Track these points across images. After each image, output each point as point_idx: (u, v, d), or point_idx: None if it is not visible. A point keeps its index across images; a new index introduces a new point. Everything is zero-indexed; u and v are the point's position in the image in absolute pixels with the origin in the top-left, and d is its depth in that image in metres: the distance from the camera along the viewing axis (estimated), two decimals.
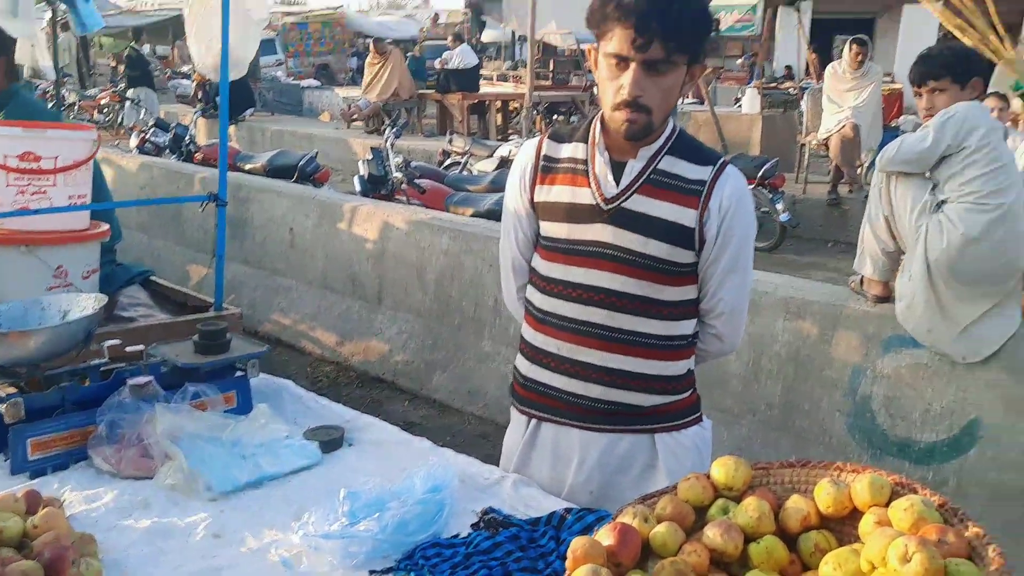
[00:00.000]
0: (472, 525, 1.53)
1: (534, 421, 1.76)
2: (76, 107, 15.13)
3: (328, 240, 5.21)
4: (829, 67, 8.10)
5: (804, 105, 8.92)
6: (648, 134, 1.56)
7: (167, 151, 8.46)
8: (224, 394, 2.06)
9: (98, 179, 2.97)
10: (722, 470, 1.34)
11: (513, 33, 23.53)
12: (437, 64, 13.33)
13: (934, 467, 2.87)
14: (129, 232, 6.63)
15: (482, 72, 15.04)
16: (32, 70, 5.62)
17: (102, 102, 15.36)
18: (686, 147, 1.61)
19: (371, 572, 1.41)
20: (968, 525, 1.15)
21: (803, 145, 8.67)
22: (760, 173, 7.00)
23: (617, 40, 1.46)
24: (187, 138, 8.20)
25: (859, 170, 7.91)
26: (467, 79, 12.80)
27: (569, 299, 1.64)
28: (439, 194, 6.09)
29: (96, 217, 2.83)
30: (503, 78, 17.80)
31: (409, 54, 15.70)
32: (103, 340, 2.11)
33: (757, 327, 3.31)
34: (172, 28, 25.44)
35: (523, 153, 1.73)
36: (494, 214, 5.59)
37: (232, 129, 13.99)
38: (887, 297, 3.05)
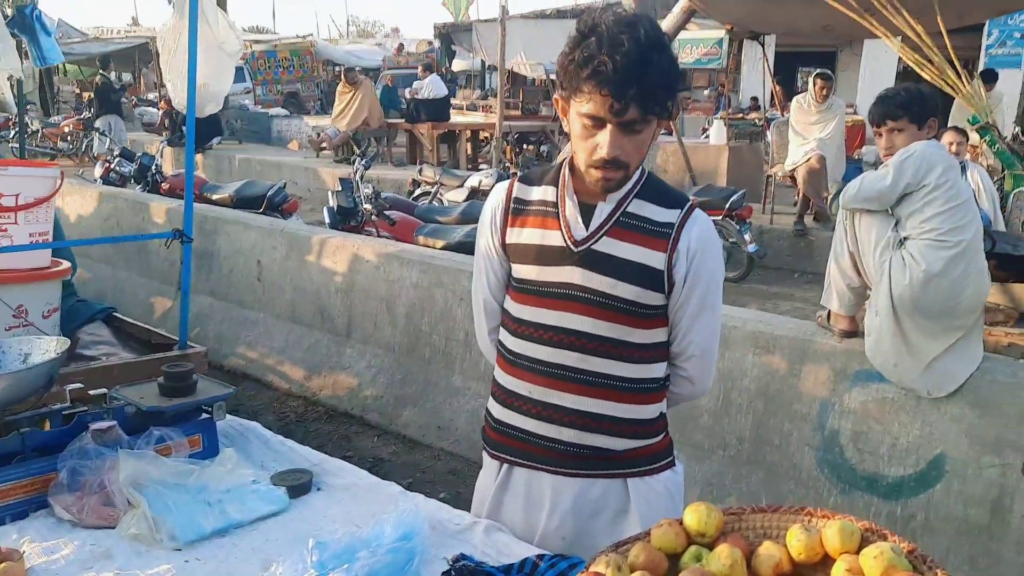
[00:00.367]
0: (443, 573, 1.51)
1: (506, 466, 1.75)
2: (39, 135, 14.93)
3: (297, 272, 5.16)
4: (794, 100, 8.27)
5: (770, 136, 9.07)
6: (622, 186, 1.58)
7: (132, 181, 8.36)
8: (189, 437, 2.02)
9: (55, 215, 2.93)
10: (694, 516, 1.34)
11: (483, 63, 23.75)
12: (407, 94, 13.38)
13: (902, 501, 2.89)
14: (93, 264, 6.57)
15: (452, 101, 15.13)
16: None
17: (65, 130, 15.17)
18: (654, 190, 1.63)
19: None
20: (937, 573, 1.16)
21: (769, 176, 8.81)
22: (728, 204, 7.10)
23: (593, 104, 1.46)
24: (153, 168, 8.11)
25: (825, 201, 8.04)
26: (437, 109, 12.86)
27: (540, 341, 1.64)
28: (409, 226, 6.08)
29: (54, 253, 2.78)
30: (473, 107, 17.93)
31: (383, 84, 15.74)
32: (65, 383, 2.07)
33: (727, 362, 3.33)
34: (138, 55, 25.32)
35: (494, 195, 1.73)
36: (464, 246, 5.58)
37: (199, 158, 13.88)
38: (854, 332, 3.09)
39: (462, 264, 4.42)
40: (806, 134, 7.93)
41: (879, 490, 2.94)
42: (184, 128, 3.34)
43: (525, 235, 1.65)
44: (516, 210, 1.67)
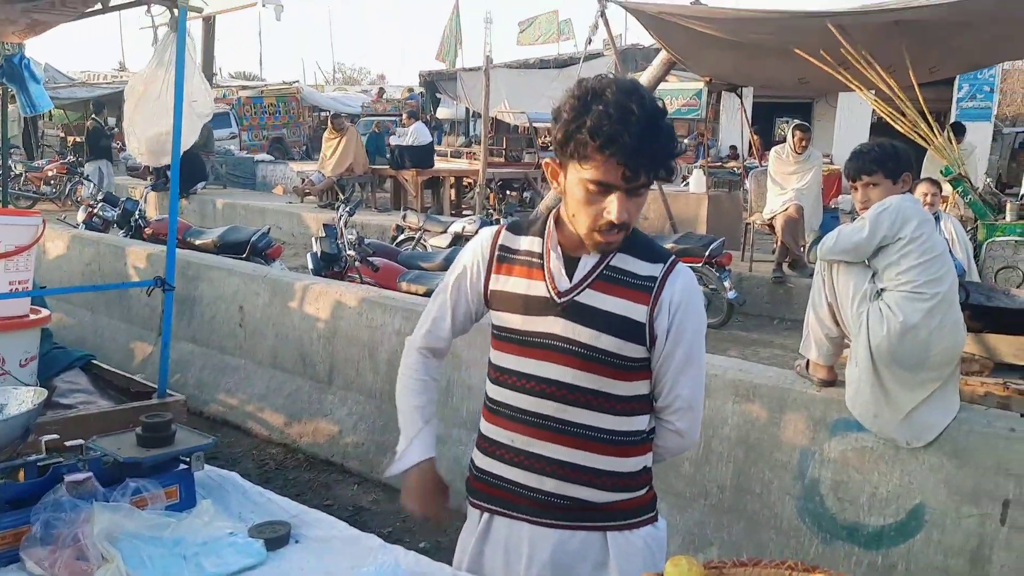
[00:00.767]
0: None
1: (487, 515, 1.75)
2: (23, 178, 14.90)
3: (279, 319, 5.15)
4: (773, 151, 8.44)
5: (749, 185, 9.23)
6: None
7: (115, 226, 8.34)
8: (166, 488, 2.00)
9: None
10: (675, 571, 1.34)
11: (467, 110, 24.06)
12: (392, 141, 13.51)
13: (883, 551, 2.89)
14: (73, 309, 6.52)
15: (437, 148, 15.27)
16: None
17: (49, 174, 15.15)
18: (638, 244, 1.65)
19: None
20: None
21: (748, 224, 8.93)
22: (707, 251, 7.18)
23: (603, 171, 1.48)
24: (136, 213, 8.10)
25: (802, 249, 8.16)
26: (421, 155, 12.98)
27: (522, 390, 1.65)
28: (392, 272, 6.10)
29: (33, 301, 2.77)
30: (457, 154, 18.09)
31: (371, 130, 15.87)
32: (41, 433, 2.04)
33: (707, 410, 3.33)
34: (124, 100, 25.42)
35: (481, 239, 1.76)
36: None
37: (183, 202, 13.89)
38: (832, 381, 3.12)
39: None
40: (784, 184, 8.08)
41: (860, 540, 2.94)
42: (168, 173, 3.37)
43: (510, 283, 1.67)
44: (502, 257, 1.70)
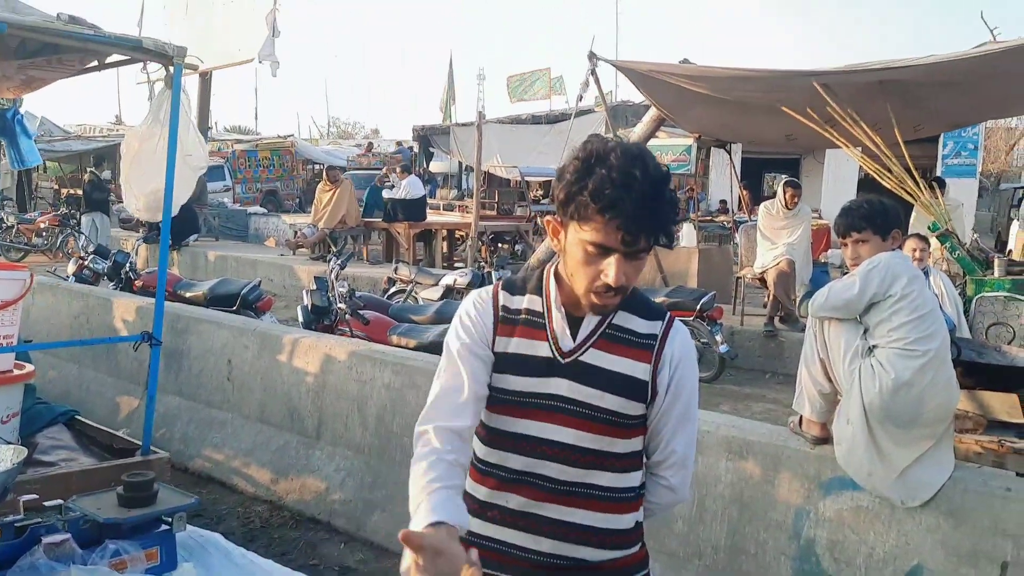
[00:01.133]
0: None
1: None
2: (14, 230, 14.91)
3: (268, 372, 5.10)
4: (762, 206, 8.52)
5: (739, 239, 9.30)
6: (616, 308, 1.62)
7: (105, 278, 8.31)
8: (147, 551, 1.95)
9: None
10: None
11: (460, 163, 24.32)
12: (385, 194, 13.61)
13: None
14: (59, 362, 6.45)
15: (429, 201, 15.38)
16: None
17: (41, 226, 15.17)
18: (636, 302, 1.67)
19: None
20: None
21: (739, 278, 8.97)
22: (699, 305, 7.19)
23: (602, 233, 1.47)
24: (127, 265, 8.08)
25: (793, 303, 8.19)
26: (414, 209, 13.06)
27: (521, 452, 1.63)
28: (383, 325, 6.07)
29: (18, 355, 2.74)
30: (449, 207, 18.23)
31: (372, 183, 15.94)
32: (21, 492, 2.00)
33: (701, 467, 3.30)
34: (118, 153, 25.63)
35: (479, 301, 1.70)
36: (438, 346, 5.56)
37: (175, 255, 13.90)
38: (826, 438, 3.09)
39: (436, 366, 4.37)
40: (775, 238, 8.15)
41: None
42: (160, 226, 3.38)
43: (513, 345, 1.64)
44: (504, 319, 1.66)
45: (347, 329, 6.09)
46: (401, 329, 5.94)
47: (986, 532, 2.69)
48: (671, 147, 15.19)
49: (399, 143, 30.37)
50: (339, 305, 6.22)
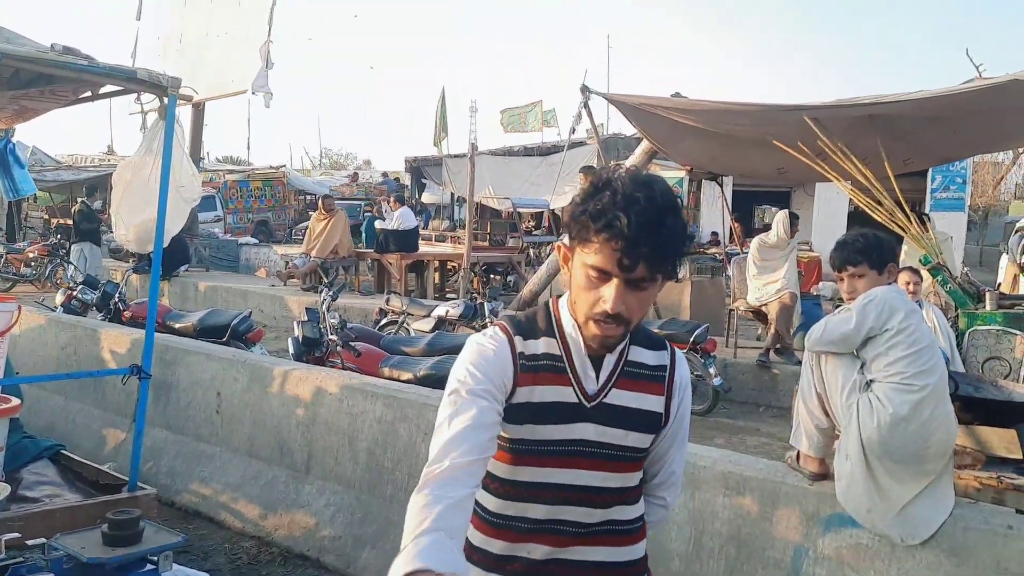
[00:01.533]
0: None
1: None
2: (3, 260, 14.81)
3: (257, 405, 5.03)
4: (758, 239, 8.51)
5: (731, 272, 9.31)
6: (620, 343, 1.58)
7: (94, 309, 8.24)
8: None
9: None
10: None
11: (452, 194, 24.40)
12: (378, 225, 13.61)
13: None
14: (45, 394, 6.35)
15: (421, 231, 15.39)
16: None
17: (31, 255, 15.08)
18: (640, 335, 1.66)
19: None
20: None
21: (732, 310, 8.97)
22: (692, 337, 7.17)
23: (602, 256, 1.44)
24: (116, 296, 8.01)
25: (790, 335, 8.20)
26: (406, 240, 13.05)
27: (542, 501, 1.59)
28: (374, 357, 6.02)
29: (3, 388, 2.69)
30: (441, 238, 18.25)
31: (368, 214, 15.97)
32: (4, 530, 1.94)
33: (697, 503, 3.25)
34: (110, 183, 25.63)
35: (492, 350, 1.56)
36: (430, 379, 5.52)
37: (164, 285, 13.83)
38: (824, 474, 3.05)
39: (427, 398, 4.35)
40: (773, 270, 8.16)
41: None
42: (151, 256, 3.35)
43: (537, 393, 1.56)
44: (524, 367, 1.57)
45: (338, 361, 6.03)
46: (393, 361, 5.89)
47: (988, 571, 2.65)
48: (663, 179, 15.28)
49: (385, 174, 30.54)
50: (330, 337, 6.17)
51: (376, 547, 4.23)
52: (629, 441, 1.59)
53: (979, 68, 9.28)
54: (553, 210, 20.03)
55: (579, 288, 1.51)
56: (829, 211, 16.64)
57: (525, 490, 1.59)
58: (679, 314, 9.62)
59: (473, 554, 1.65)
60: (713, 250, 15.72)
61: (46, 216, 24.06)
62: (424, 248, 14.27)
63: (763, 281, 8.16)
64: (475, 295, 10.20)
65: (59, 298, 8.61)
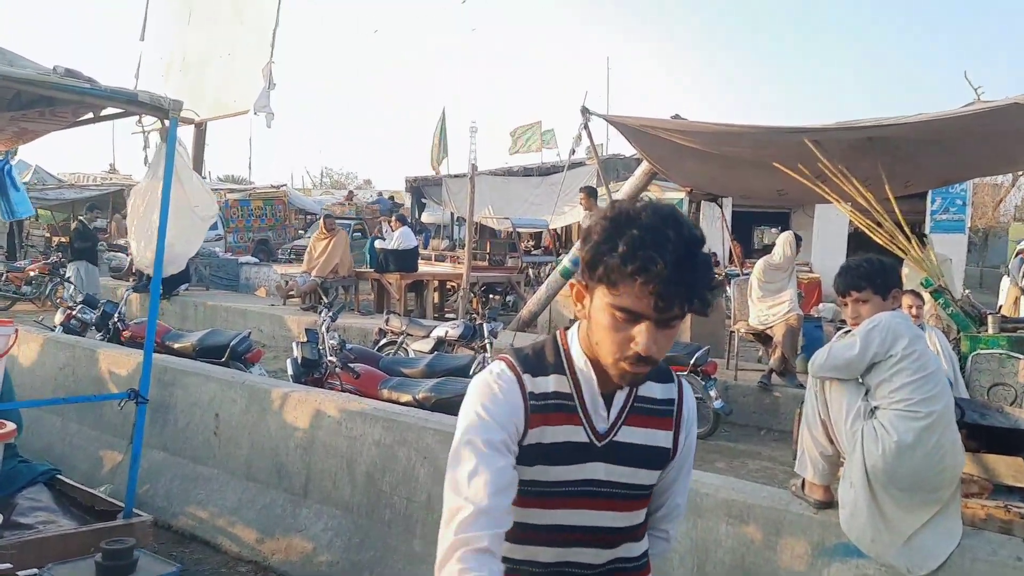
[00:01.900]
0: None
1: None
2: (3, 278, 14.79)
3: (255, 427, 4.99)
4: (762, 261, 8.46)
5: (731, 293, 9.29)
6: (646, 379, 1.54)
7: (93, 328, 8.21)
8: None
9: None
10: None
11: (452, 214, 24.45)
12: (378, 244, 13.61)
13: None
14: (42, 415, 6.30)
15: (423, 251, 15.39)
16: None
17: (31, 274, 15.06)
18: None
19: None
20: None
21: (732, 332, 8.93)
22: (693, 360, 7.13)
23: (633, 298, 1.37)
24: (116, 315, 7.99)
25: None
26: (406, 259, 13.05)
27: (551, 544, 1.55)
28: (373, 378, 5.98)
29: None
30: (441, 258, 18.25)
31: (373, 235, 15.96)
32: None
33: (700, 531, 3.20)
34: (112, 201, 25.67)
35: (502, 391, 1.49)
36: (429, 401, 5.49)
37: (164, 304, 13.79)
38: (829, 502, 3.01)
39: (426, 421, 4.31)
40: (779, 291, 8.12)
41: None
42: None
43: (548, 434, 1.50)
44: (535, 407, 1.50)
45: (337, 383, 6.00)
46: (392, 383, 5.86)
47: None
48: (662, 200, 15.32)
49: (380, 193, 30.65)
50: (329, 358, 6.14)
51: (374, 573, 4.17)
52: (638, 479, 1.56)
53: (977, 91, 9.31)
54: (554, 230, 20.08)
55: (604, 329, 1.43)
56: (829, 232, 16.65)
57: (535, 533, 1.54)
58: (679, 336, 9.57)
59: None
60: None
61: (47, 234, 24.09)
62: (424, 268, 14.26)
63: (768, 303, 8.11)
64: (474, 315, 10.18)
65: (58, 317, 8.58)
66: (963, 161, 7.75)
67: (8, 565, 1.86)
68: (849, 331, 3.17)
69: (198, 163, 16.75)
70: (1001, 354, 5.32)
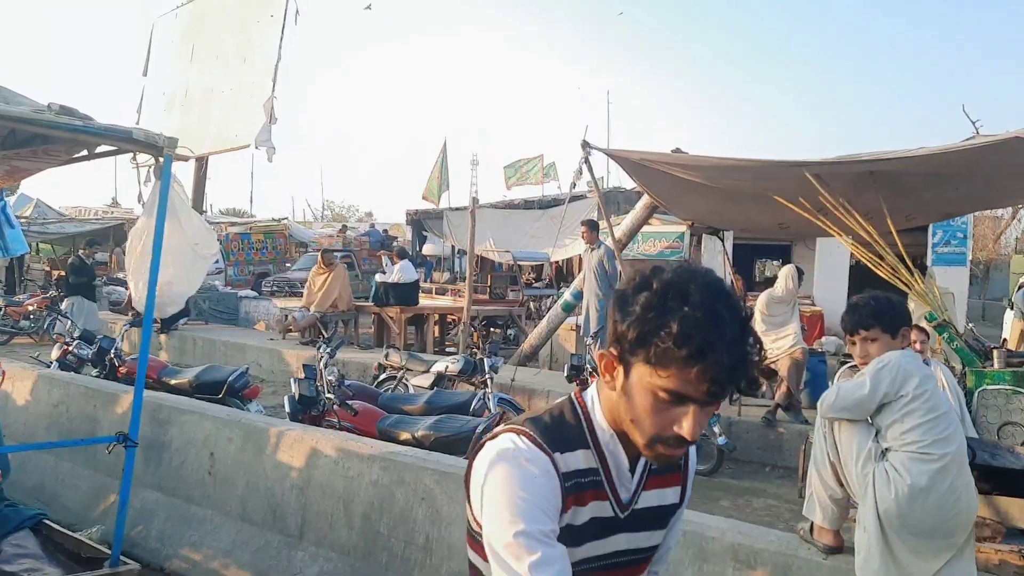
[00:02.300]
0: None
1: None
2: (2, 312, 14.74)
3: (251, 467, 4.90)
4: (765, 294, 8.40)
5: None
6: None
7: (90, 364, 8.13)
8: None
9: None
10: None
11: (453, 247, 24.46)
12: (378, 278, 13.57)
13: None
14: (35, 454, 6.20)
15: (421, 284, 15.33)
16: None
17: (29, 308, 15.01)
18: None
19: None
20: None
21: None
22: None
23: (683, 382, 1.26)
24: (112, 351, 7.91)
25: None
26: (406, 293, 13.00)
27: None
28: (371, 416, 5.90)
29: None
30: (442, 291, 18.20)
31: (379, 272, 15.87)
32: None
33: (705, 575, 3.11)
34: (113, 235, 25.71)
35: (541, 476, 1.36)
36: (428, 439, 5.40)
37: (163, 339, 13.73)
38: (839, 547, 2.92)
39: (424, 461, 4.23)
40: (782, 325, 8.05)
41: None
42: None
43: (579, 515, 1.41)
44: (568, 489, 1.39)
45: (335, 420, 5.91)
46: (390, 420, 5.78)
47: None
48: (664, 234, 15.29)
49: (372, 226, 30.74)
50: (327, 395, 6.06)
51: None
52: (652, 540, 1.51)
53: (976, 124, 9.33)
54: (555, 262, 20.06)
55: (644, 411, 1.32)
56: (830, 265, 16.59)
57: None
58: None
59: None
60: None
61: (48, 268, 24.08)
62: (424, 301, 14.21)
63: (772, 337, 8.02)
64: (475, 349, 10.10)
65: (54, 353, 8.50)
66: (964, 194, 7.73)
67: None
68: (854, 366, 3.11)
69: (199, 196, 16.83)
70: (1008, 389, 5.24)
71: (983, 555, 3.11)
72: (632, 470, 1.45)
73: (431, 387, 7.83)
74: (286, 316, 13.65)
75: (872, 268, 6.74)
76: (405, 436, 5.51)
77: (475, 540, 1.45)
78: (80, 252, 14.86)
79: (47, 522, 3.08)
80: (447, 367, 8.18)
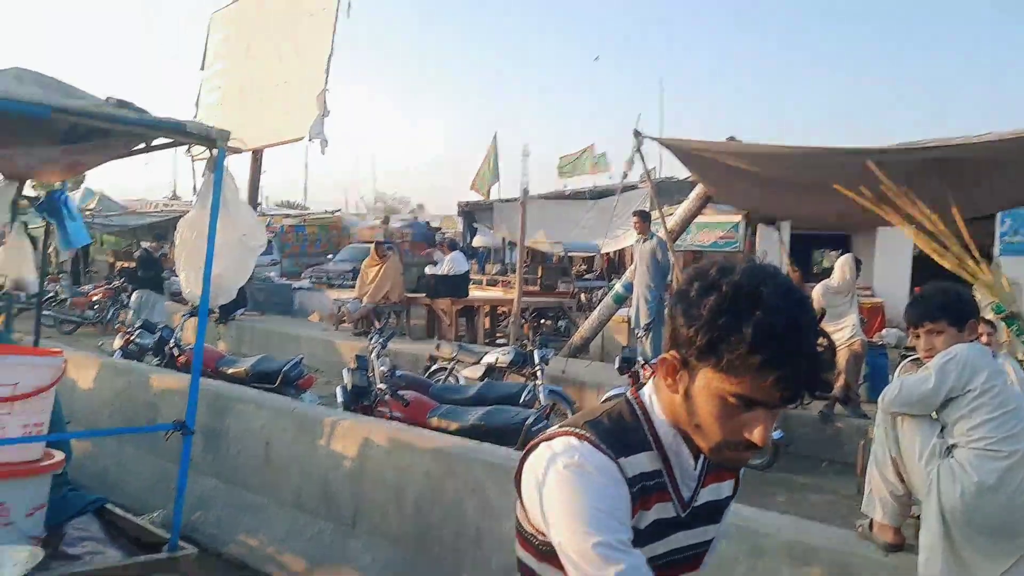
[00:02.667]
0: None
1: None
2: (68, 303, 15.25)
3: (305, 456, 4.97)
4: (820, 285, 8.22)
5: None
6: None
7: (151, 353, 8.36)
8: None
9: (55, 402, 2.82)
10: None
11: (504, 239, 24.48)
12: (428, 270, 13.66)
13: None
14: (99, 439, 6.39)
15: (472, 276, 15.40)
16: (14, 282, 5.61)
17: (94, 299, 15.49)
18: None
19: None
20: None
21: None
22: None
23: (756, 388, 1.23)
24: (172, 341, 8.12)
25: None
26: (456, 285, 13.06)
27: None
28: (423, 407, 5.94)
29: (49, 443, 2.66)
30: (492, 282, 18.23)
31: (431, 262, 16.01)
32: None
33: (760, 573, 3.03)
34: (172, 228, 26.41)
35: (611, 486, 1.32)
36: (478, 429, 5.41)
37: (221, 329, 14.03)
38: (899, 545, 2.83)
39: (476, 452, 4.24)
40: (840, 316, 7.87)
41: None
42: None
43: (644, 518, 1.39)
44: (635, 495, 1.36)
45: (386, 410, 5.96)
46: (441, 411, 5.81)
47: None
48: (718, 224, 15.06)
49: (416, 218, 30.87)
50: (379, 385, 6.12)
51: None
52: (708, 535, 1.49)
53: None
54: (607, 254, 19.92)
55: (711, 416, 1.28)
56: (892, 256, 16.14)
57: None
58: None
59: None
60: None
61: (111, 260, 24.84)
62: (475, 293, 14.25)
63: (829, 329, 7.82)
64: (525, 341, 10.09)
65: (117, 342, 8.77)
66: None
67: None
68: (916, 359, 3.00)
69: (254, 190, 17.16)
70: None
71: None
72: (694, 467, 1.42)
73: (481, 378, 7.85)
74: (339, 307, 13.84)
75: (938, 259, 6.52)
76: (456, 427, 5.52)
77: (526, 540, 1.43)
78: (147, 246, 15.28)
79: (109, 507, 3.17)
80: (497, 359, 8.19)
